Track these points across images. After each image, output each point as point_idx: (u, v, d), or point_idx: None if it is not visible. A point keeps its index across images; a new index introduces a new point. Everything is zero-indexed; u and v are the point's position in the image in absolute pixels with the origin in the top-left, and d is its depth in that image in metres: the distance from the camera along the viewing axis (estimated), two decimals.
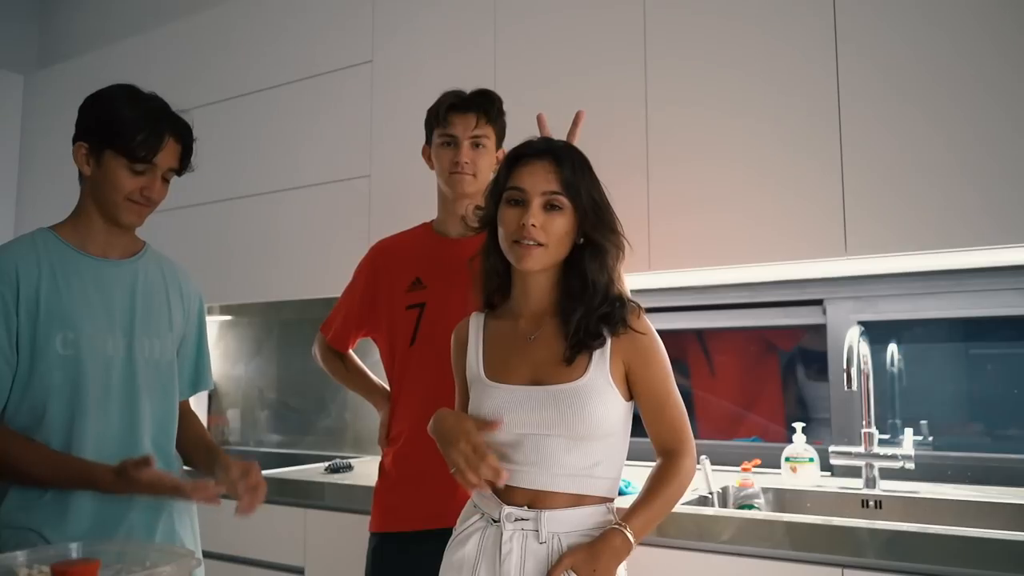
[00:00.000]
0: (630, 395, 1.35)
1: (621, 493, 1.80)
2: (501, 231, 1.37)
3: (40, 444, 1.38)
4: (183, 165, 1.54)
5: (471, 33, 2.42)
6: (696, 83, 2.04)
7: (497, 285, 1.43)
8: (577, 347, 1.32)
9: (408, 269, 1.80)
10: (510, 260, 1.37)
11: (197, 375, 1.66)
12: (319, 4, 2.78)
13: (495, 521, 1.32)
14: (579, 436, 1.29)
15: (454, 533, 1.41)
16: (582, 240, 1.36)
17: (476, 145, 1.76)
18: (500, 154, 1.80)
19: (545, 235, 1.32)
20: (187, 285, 1.64)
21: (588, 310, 1.33)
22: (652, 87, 2.10)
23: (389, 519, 1.75)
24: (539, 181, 1.33)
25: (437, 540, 1.57)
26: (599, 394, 1.30)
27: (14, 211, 3.69)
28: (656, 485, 1.33)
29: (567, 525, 1.30)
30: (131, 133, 1.43)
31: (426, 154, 1.85)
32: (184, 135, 1.51)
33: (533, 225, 1.31)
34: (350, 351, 1.99)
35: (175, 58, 3.17)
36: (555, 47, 2.26)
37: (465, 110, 1.75)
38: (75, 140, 1.49)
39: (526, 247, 1.32)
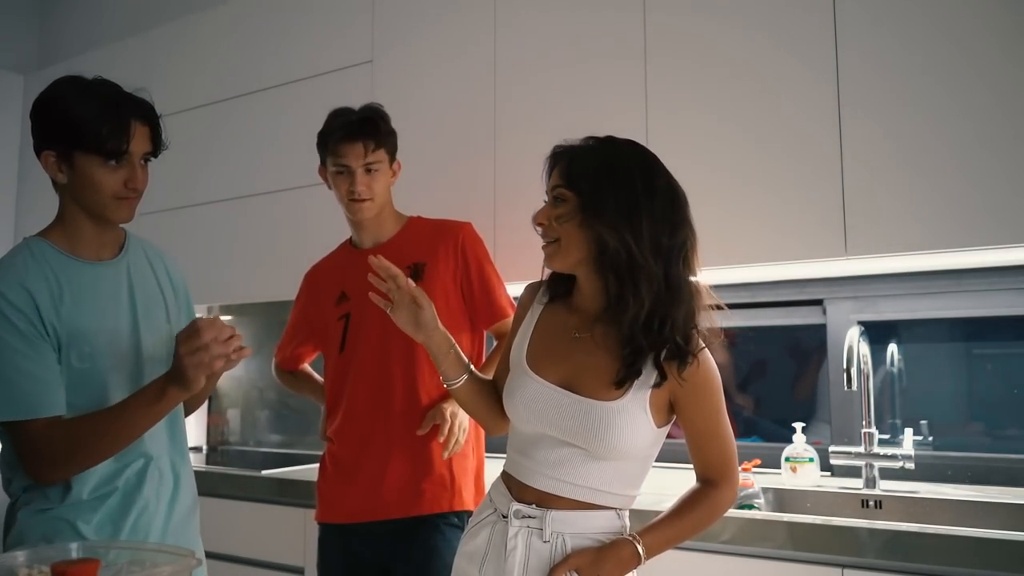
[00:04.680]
0: (667, 419, 1.30)
1: None
2: None
3: (88, 416, 1.33)
4: (156, 146, 1.44)
5: (471, 33, 2.42)
6: (696, 83, 2.04)
7: (562, 279, 1.38)
8: (630, 378, 1.25)
9: (335, 285, 1.93)
10: None
11: None
12: (319, 4, 2.78)
13: (505, 516, 1.33)
14: (599, 455, 1.27)
15: (469, 524, 1.43)
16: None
17: (369, 171, 1.82)
18: (396, 167, 1.91)
19: (554, 231, 1.29)
20: (173, 270, 1.60)
21: (652, 344, 1.24)
22: (652, 87, 2.10)
23: (328, 510, 1.87)
24: (553, 178, 1.32)
25: (367, 532, 1.78)
26: (630, 419, 1.25)
27: (14, 211, 3.69)
28: (684, 509, 1.31)
29: (573, 527, 1.29)
30: (96, 129, 1.34)
31: (323, 174, 1.92)
32: (149, 115, 1.42)
33: (541, 224, 1.31)
34: (304, 365, 2.14)
35: (175, 58, 3.17)
36: (555, 47, 2.26)
37: (353, 140, 1.81)
38: (39, 150, 1.40)
39: (544, 247, 1.32)
